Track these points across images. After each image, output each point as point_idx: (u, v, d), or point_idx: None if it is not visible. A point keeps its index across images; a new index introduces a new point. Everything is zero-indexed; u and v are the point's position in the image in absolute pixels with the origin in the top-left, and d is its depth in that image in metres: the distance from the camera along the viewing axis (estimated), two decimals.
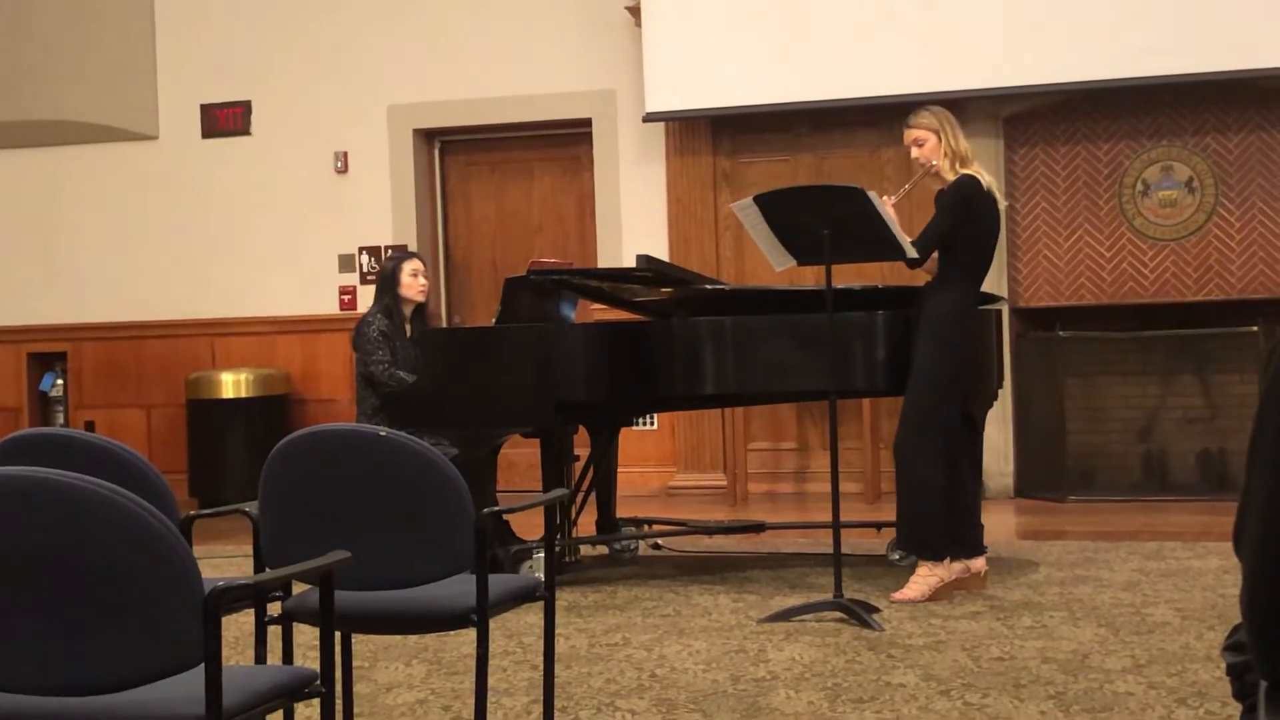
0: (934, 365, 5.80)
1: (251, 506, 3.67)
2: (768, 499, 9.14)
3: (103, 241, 10.37)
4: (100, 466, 3.27)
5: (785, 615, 5.52)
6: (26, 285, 10.50)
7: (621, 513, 7.20)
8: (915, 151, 5.95)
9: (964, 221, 5.82)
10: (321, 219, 10.00)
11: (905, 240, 5.70)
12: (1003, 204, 6.08)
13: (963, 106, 6.10)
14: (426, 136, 10.07)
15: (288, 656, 3.81)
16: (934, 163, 5.90)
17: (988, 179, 5.93)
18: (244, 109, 10.17)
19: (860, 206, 5.61)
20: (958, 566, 5.89)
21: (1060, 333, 8.88)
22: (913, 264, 5.85)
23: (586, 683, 4.71)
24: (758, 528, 7.05)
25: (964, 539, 5.94)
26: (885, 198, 5.93)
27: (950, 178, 5.87)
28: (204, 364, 10.09)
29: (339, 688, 3.57)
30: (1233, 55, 8.30)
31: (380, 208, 9.94)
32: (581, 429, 7.01)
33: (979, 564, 5.99)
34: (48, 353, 10.58)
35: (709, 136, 9.41)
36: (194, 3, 10.23)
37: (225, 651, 2.56)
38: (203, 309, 10.22)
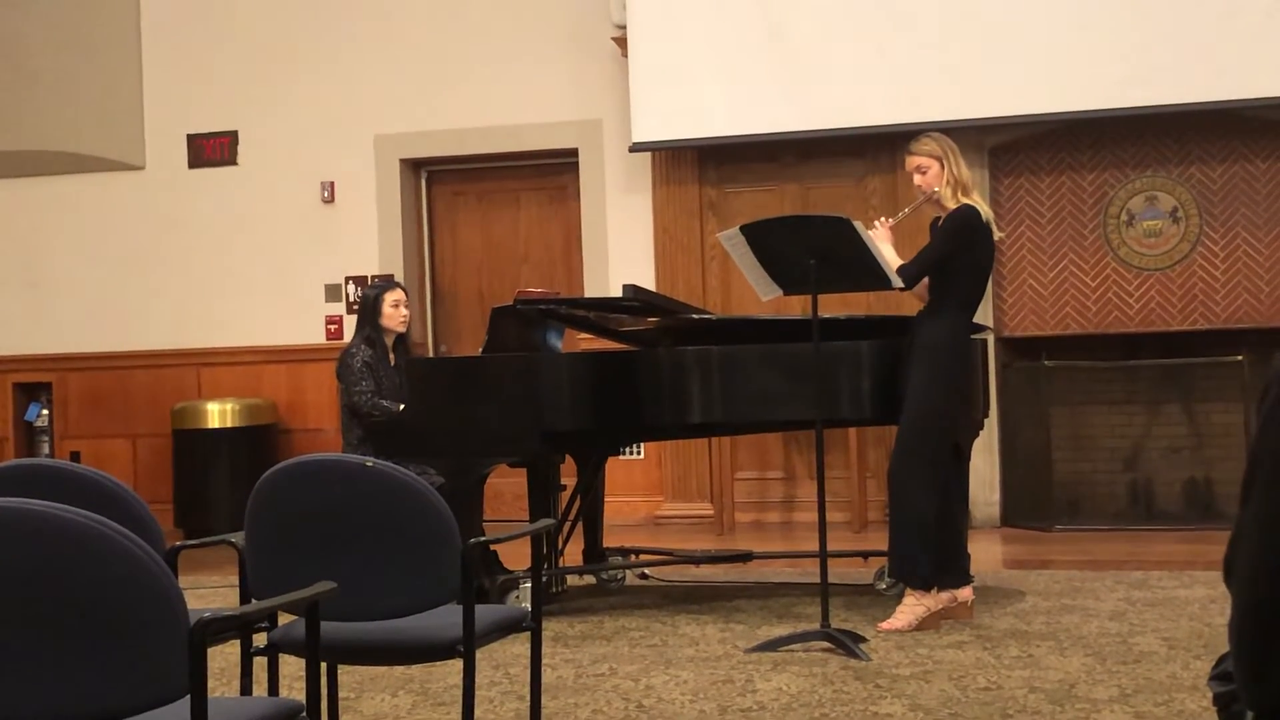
0: (929, 394, 5.80)
1: (237, 537, 3.66)
2: (755, 528, 9.13)
3: (88, 271, 10.35)
4: (85, 497, 3.27)
5: (772, 645, 5.51)
6: (12, 315, 10.48)
7: (608, 542, 7.18)
8: (918, 179, 5.94)
9: (961, 251, 5.83)
10: (308, 249, 10.00)
11: (891, 270, 5.71)
12: (998, 235, 6.09)
13: (949, 136, 6.12)
14: (413, 166, 10.08)
15: (274, 688, 3.80)
16: (935, 190, 5.90)
17: (987, 210, 5.94)
18: (230, 139, 10.18)
19: (846, 236, 5.61)
20: (945, 596, 5.89)
21: (1046, 362, 8.90)
22: (904, 289, 5.87)
23: (573, 713, 4.70)
24: (745, 557, 7.04)
25: (951, 568, 5.94)
26: (884, 220, 5.94)
27: (951, 206, 5.87)
28: (190, 394, 10.08)
29: (325, 719, 3.56)
30: (1216, 86, 8.35)
31: (367, 237, 9.95)
32: (568, 458, 7.00)
33: (966, 593, 5.99)
34: (33, 382, 10.55)
35: (695, 166, 9.44)
36: (181, 33, 10.24)
37: (211, 683, 2.56)
38: (188, 339, 10.21)
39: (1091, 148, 8.89)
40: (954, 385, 5.89)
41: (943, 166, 5.90)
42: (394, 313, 7.21)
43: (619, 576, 7.06)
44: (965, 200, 5.87)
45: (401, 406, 6.72)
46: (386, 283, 7.57)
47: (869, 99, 8.75)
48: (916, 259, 5.85)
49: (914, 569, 5.83)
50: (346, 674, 4.96)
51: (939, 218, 5.99)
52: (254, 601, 3.50)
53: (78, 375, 10.40)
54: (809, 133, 8.98)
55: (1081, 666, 5.09)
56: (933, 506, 5.81)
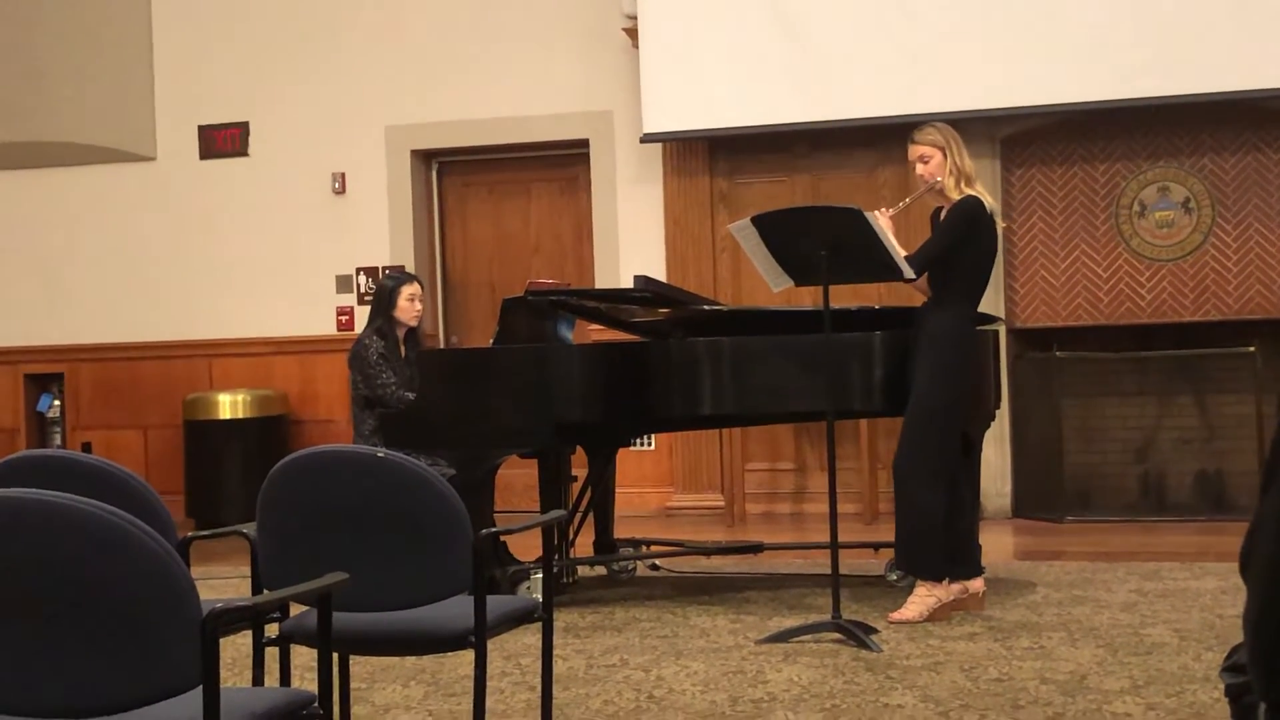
0: (933, 386, 5.79)
1: (249, 528, 3.67)
2: (765, 519, 9.13)
3: (100, 262, 10.37)
4: (97, 488, 3.28)
5: (783, 636, 5.51)
6: (24, 306, 10.50)
7: (619, 533, 7.19)
8: (920, 168, 5.91)
9: (965, 242, 5.81)
10: (319, 240, 10.01)
11: (902, 261, 5.70)
12: (1000, 226, 6.07)
13: (960, 127, 6.10)
14: (424, 157, 10.08)
15: (285, 678, 3.81)
16: (938, 179, 5.88)
17: (990, 200, 5.93)
18: (241, 130, 10.18)
19: (858, 227, 5.60)
20: (955, 587, 5.88)
21: (1057, 353, 8.88)
22: (913, 280, 5.86)
23: (584, 704, 4.70)
24: (755, 548, 7.05)
25: (962, 559, 5.93)
26: (884, 210, 5.92)
27: (954, 196, 5.85)
28: (201, 385, 10.09)
29: (337, 709, 3.57)
30: (1229, 76, 8.32)
31: (378, 228, 9.95)
32: (579, 449, 7.00)
33: (977, 584, 5.98)
34: (45, 373, 10.58)
35: (706, 157, 9.43)
36: (192, 24, 10.25)
37: (223, 673, 2.56)
38: (200, 330, 10.22)
39: (1103, 138, 8.87)
40: (957, 377, 5.87)
41: (945, 156, 5.87)
42: (408, 306, 7.22)
43: (630, 567, 7.06)
44: (969, 191, 5.85)
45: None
46: (404, 275, 7.56)
47: (880, 90, 8.74)
48: (921, 250, 5.83)
49: (923, 561, 5.83)
50: (358, 664, 4.96)
51: (940, 208, 5.98)
52: (266, 592, 3.51)
53: (89, 366, 10.42)
54: (820, 123, 8.97)
55: (1093, 658, 5.08)
56: (939, 498, 5.80)
